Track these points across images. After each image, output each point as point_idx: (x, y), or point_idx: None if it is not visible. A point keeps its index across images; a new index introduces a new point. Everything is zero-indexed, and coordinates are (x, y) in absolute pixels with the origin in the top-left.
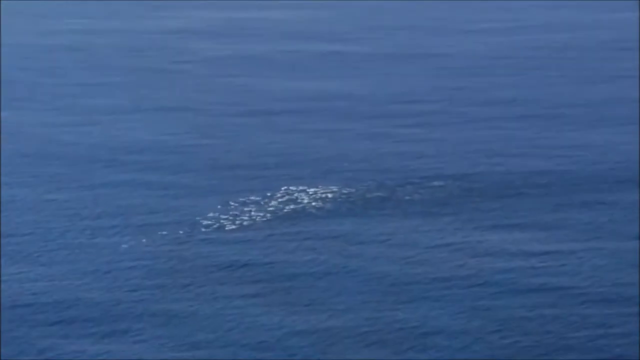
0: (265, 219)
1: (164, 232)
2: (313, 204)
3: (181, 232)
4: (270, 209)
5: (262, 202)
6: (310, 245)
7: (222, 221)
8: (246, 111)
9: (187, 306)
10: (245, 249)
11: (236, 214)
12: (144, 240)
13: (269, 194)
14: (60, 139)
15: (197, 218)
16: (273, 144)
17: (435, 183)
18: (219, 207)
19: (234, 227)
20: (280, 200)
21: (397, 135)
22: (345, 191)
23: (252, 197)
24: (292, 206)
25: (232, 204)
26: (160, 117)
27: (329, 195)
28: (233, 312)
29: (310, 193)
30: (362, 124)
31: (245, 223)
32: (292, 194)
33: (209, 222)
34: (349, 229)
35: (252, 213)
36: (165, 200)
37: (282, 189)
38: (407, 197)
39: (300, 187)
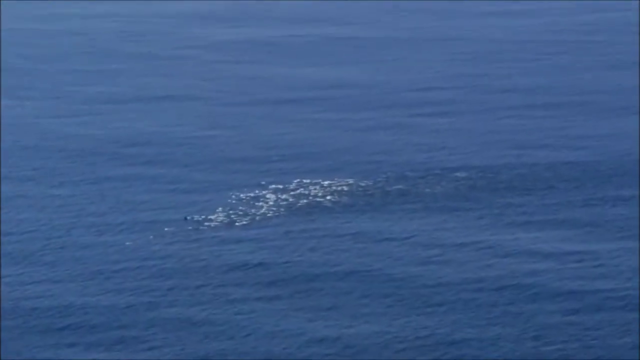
0: (278, 214)
1: (173, 229)
2: (328, 197)
3: (190, 228)
4: (284, 203)
5: (274, 197)
6: (328, 243)
7: (233, 217)
8: (255, 100)
9: (200, 310)
10: (259, 247)
11: (248, 210)
12: (151, 237)
13: (281, 188)
14: (62, 130)
15: (207, 214)
16: (284, 135)
17: (459, 174)
18: (229, 202)
19: (246, 223)
20: (293, 194)
21: (415, 124)
22: (362, 184)
23: (264, 192)
24: (306, 200)
25: (243, 198)
26: (165, 107)
27: (345, 189)
28: (250, 316)
29: (325, 186)
30: (378, 112)
31: (257, 219)
32: (306, 187)
33: (220, 218)
34: (369, 226)
35: (265, 208)
36: (173, 195)
37: (295, 182)
38: (428, 190)
39: (315, 180)
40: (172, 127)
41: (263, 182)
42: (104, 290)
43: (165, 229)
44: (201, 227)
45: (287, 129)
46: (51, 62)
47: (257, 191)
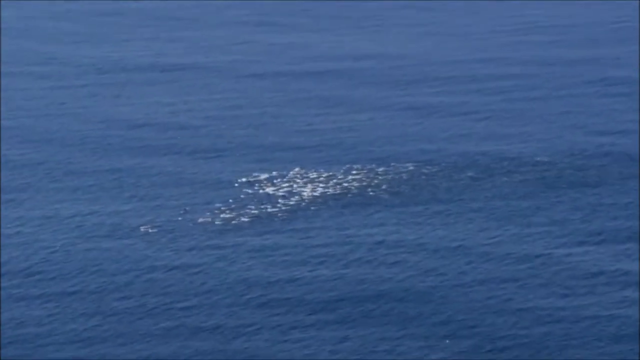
0: (326, 209)
1: (203, 230)
2: (384, 187)
3: (225, 229)
4: (331, 194)
5: (319, 188)
6: (392, 251)
7: (271, 213)
8: (288, 71)
9: (245, 338)
10: (307, 255)
11: (288, 205)
12: (179, 240)
13: (326, 177)
14: (67, 106)
15: (241, 211)
16: (324, 114)
17: (540, 159)
18: (266, 194)
19: (287, 221)
20: (341, 184)
21: (477, 102)
22: (425, 170)
23: (304, 180)
24: (357, 191)
25: (282, 192)
26: (185, 78)
27: (404, 177)
28: (312, 345)
29: (380, 173)
30: (433, 88)
31: (300, 214)
32: (356, 176)
33: (257, 217)
34: (440, 229)
35: (309, 201)
36: (200, 189)
37: (343, 169)
38: (505, 179)
39: (366, 167)
40: (195, 104)
41: (304, 170)
42: (126, 311)
43: (193, 228)
44: (236, 226)
45: (327, 107)
46: (52, 20)
47: (298, 181)
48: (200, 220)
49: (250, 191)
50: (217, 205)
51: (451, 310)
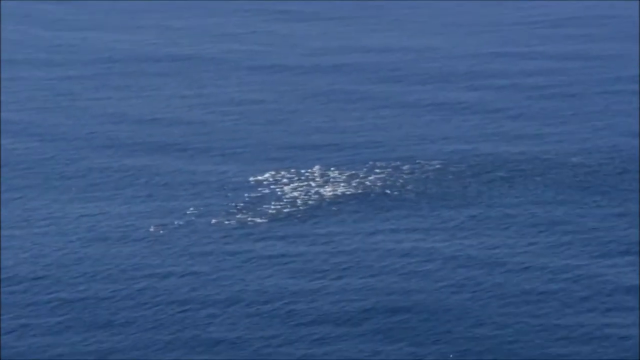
0: (349, 210)
1: (219, 234)
2: (409, 187)
3: (242, 231)
4: (354, 194)
5: (339, 189)
6: (420, 260)
7: (290, 213)
8: (304, 64)
9: (272, 350)
10: (331, 263)
11: (307, 206)
12: (196, 245)
13: (347, 176)
14: (74, 98)
15: (258, 211)
16: (344, 110)
17: (575, 160)
18: (284, 194)
19: (307, 224)
20: (363, 184)
21: (508, 99)
22: (453, 169)
23: (323, 180)
24: (379, 191)
25: (300, 191)
26: (191, 69)
27: (431, 176)
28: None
29: (405, 172)
30: (461, 83)
31: (320, 215)
32: (382, 174)
33: (275, 219)
34: (472, 236)
35: (329, 202)
36: (215, 188)
37: (365, 167)
38: (539, 179)
39: (392, 164)
40: (209, 98)
41: (324, 168)
42: (140, 319)
43: (209, 230)
44: (253, 228)
45: (349, 103)
46: (57, 5)
47: (318, 180)
48: (216, 221)
49: (267, 191)
50: (233, 205)
51: (487, 324)
